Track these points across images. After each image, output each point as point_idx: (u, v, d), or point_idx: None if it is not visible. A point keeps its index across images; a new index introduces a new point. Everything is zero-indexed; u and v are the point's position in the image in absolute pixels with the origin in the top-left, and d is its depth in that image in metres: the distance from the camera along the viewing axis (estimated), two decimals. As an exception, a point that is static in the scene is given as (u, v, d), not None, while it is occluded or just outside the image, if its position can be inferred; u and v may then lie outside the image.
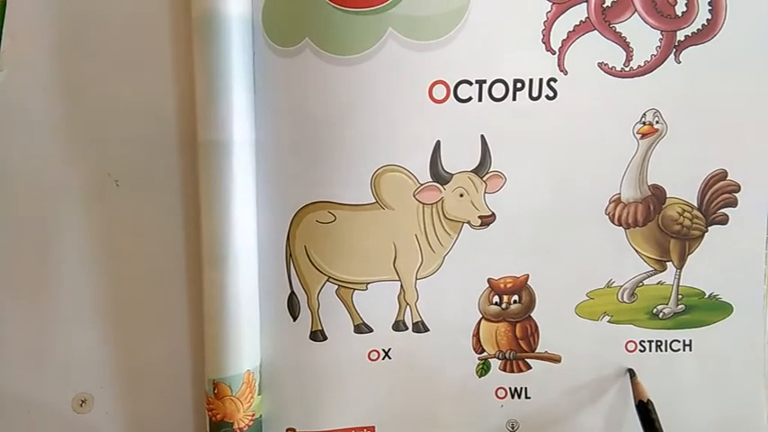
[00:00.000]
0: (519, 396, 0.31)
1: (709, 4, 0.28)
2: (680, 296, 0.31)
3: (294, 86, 0.28)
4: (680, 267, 0.31)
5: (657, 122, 0.29)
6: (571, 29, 0.28)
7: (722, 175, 0.30)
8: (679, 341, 0.31)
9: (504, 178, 0.29)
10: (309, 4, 0.27)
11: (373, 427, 0.31)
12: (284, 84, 0.28)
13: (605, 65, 0.29)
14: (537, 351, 0.31)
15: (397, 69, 0.28)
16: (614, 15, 0.28)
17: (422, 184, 0.29)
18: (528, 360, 0.31)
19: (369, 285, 0.30)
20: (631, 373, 0.30)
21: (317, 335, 0.30)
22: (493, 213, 0.30)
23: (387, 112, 0.28)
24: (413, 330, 0.30)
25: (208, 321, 0.29)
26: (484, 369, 0.31)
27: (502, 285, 0.30)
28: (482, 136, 0.29)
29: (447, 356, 0.31)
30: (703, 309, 0.31)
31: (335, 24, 0.27)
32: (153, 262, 0.30)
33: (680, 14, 0.28)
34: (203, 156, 0.28)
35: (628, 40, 0.28)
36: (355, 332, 0.30)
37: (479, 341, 0.31)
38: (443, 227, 0.30)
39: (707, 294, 0.31)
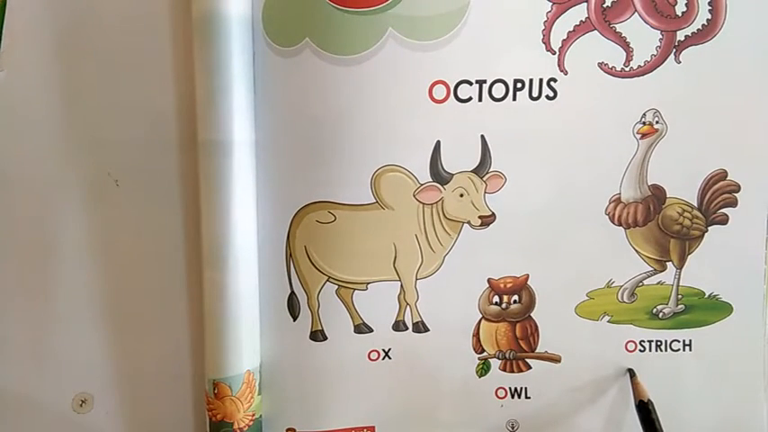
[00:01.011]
0: (519, 396, 0.31)
1: (709, 4, 0.29)
2: (680, 296, 0.31)
3: (294, 86, 0.28)
4: (680, 267, 0.31)
5: (657, 122, 0.29)
6: (571, 29, 0.28)
7: (722, 175, 0.30)
8: (679, 341, 0.31)
9: (505, 178, 0.29)
10: (309, 4, 0.27)
11: (373, 427, 0.31)
12: (284, 84, 0.28)
13: (605, 65, 0.29)
14: (537, 351, 0.31)
15: (397, 69, 0.28)
16: (614, 15, 0.28)
17: (422, 184, 0.29)
18: (528, 360, 0.31)
19: (369, 285, 0.30)
20: (631, 372, 0.30)
21: (317, 335, 0.30)
22: (493, 213, 0.30)
23: (387, 112, 0.28)
24: (413, 330, 0.30)
25: (208, 321, 0.29)
26: (484, 369, 0.31)
27: (502, 285, 0.30)
28: (482, 136, 0.29)
29: (447, 356, 0.31)
30: (703, 309, 0.31)
31: (336, 24, 0.27)
32: (153, 262, 0.30)
33: (680, 14, 0.29)
34: (203, 155, 0.28)
35: (628, 41, 0.29)
36: (355, 332, 0.30)
37: (479, 341, 0.31)
38: (443, 227, 0.30)
39: (707, 294, 0.31)
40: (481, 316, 0.31)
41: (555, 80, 0.29)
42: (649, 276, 0.31)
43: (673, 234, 0.31)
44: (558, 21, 0.28)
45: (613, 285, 0.31)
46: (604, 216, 0.30)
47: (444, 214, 0.29)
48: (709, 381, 0.31)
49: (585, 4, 0.28)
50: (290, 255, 0.30)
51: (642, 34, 0.28)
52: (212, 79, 0.27)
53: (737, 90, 0.29)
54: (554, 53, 0.28)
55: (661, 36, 0.29)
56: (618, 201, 0.30)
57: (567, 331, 0.31)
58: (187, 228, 0.30)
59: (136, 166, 0.30)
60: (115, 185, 0.30)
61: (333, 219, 0.29)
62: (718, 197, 0.30)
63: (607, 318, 0.31)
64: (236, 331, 0.28)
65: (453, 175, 0.29)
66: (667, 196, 0.30)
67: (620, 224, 0.30)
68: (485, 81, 0.28)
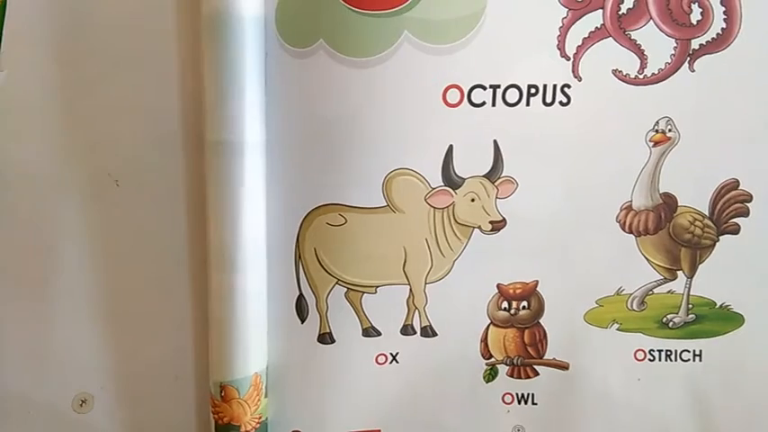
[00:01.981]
0: (526, 402, 0.31)
1: (725, 13, 0.29)
2: (690, 305, 0.31)
3: (307, 88, 0.28)
4: (691, 276, 0.31)
5: (670, 131, 0.29)
6: (586, 35, 0.28)
7: (734, 184, 0.30)
8: (689, 351, 0.31)
9: (516, 184, 0.29)
10: (324, 6, 0.27)
11: (379, 430, 0.31)
12: (297, 85, 0.28)
13: (619, 72, 0.29)
14: (545, 358, 0.31)
15: (411, 72, 0.28)
16: (629, 23, 0.28)
17: (433, 189, 0.29)
18: (536, 366, 0.31)
19: (378, 289, 0.30)
20: None
21: (325, 337, 0.30)
22: (504, 219, 0.30)
23: (400, 115, 0.28)
24: (421, 335, 0.30)
25: (215, 323, 0.29)
26: (491, 374, 0.31)
27: (511, 291, 0.30)
28: (495, 141, 0.29)
29: (455, 361, 0.31)
30: (714, 319, 0.31)
31: (351, 26, 0.27)
32: (154, 262, 0.30)
33: (695, 23, 0.29)
34: (213, 156, 0.28)
35: (642, 48, 0.29)
36: (363, 335, 0.30)
37: (487, 347, 0.31)
38: (454, 231, 0.30)
39: (718, 304, 0.31)
40: (490, 321, 0.31)
41: (569, 86, 0.29)
42: (659, 285, 0.31)
43: (684, 243, 0.31)
44: (573, 27, 0.28)
45: (623, 293, 0.31)
46: (615, 223, 0.30)
47: (455, 219, 0.30)
48: (719, 392, 0.31)
49: (601, 10, 0.28)
50: (300, 257, 0.30)
51: (657, 42, 0.28)
52: (223, 79, 0.27)
53: (751, 100, 0.29)
54: (568, 59, 0.28)
55: (675, 44, 0.29)
56: (629, 208, 0.30)
57: (575, 338, 0.31)
58: (191, 228, 0.30)
59: (138, 166, 0.30)
60: (115, 185, 0.30)
61: (343, 221, 0.29)
62: (729, 207, 0.30)
63: (616, 325, 0.31)
64: (244, 333, 0.28)
65: (465, 179, 0.29)
66: (679, 205, 0.30)
67: (630, 232, 0.30)
68: (499, 86, 0.28)
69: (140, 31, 0.29)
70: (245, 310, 0.28)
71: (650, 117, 0.29)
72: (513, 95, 0.29)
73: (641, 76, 0.29)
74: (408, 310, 0.30)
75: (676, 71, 0.29)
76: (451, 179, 0.29)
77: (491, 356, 0.31)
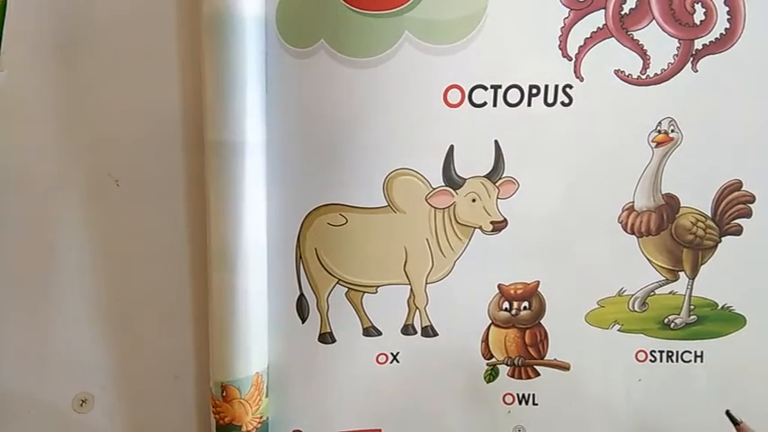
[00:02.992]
0: (527, 402, 0.31)
1: (728, 13, 0.29)
2: (692, 306, 0.31)
3: (307, 88, 0.28)
4: (692, 277, 0.31)
5: (673, 131, 0.29)
6: (588, 35, 0.28)
7: (737, 185, 0.30)
8: (690, 352, 0.31)
9: (517, 184, 0.30)
10: (325, 6, 0.27)
11: (380, 430, 0.31)
12: (297, 85, 0.28)
13: (622, 72, 0.29)
14: (546, 358, 0.31)
15: (412, 73, 0.28)
16: (632, 23, 0.28)
17: (434, 189, 0.29)
18: (537, 367, 0.31)
19: (379, 288, 0.30)
20: (733, 419, 0.30)
21: (326, 337, 0.30)
22: (505, 219, 0.30)
23: (401, 115, 0.28)
24: (422, 334, 0.31)
25: (216, 323, 0.29)
26: (492, 375, 0.31)
27: (512, 291, 0.31)
28: (496, 141, 0.29)
29: (455, 361, 0.31)
30: (716, 320, 0.31)
31: (352, 26, 0.27)
32: (154, 262, 0.30)
33: (698, 23, 0.29)
34: (213, 156, 0.28)
35: (645, 48, 0.29)
36: (364, 335, 0.30)
37: (488, 347, 0.31)
38: (455, 232, 0.30)
39: (719, 305, 0.31)
40: (491, 322, 0.31)
41: (570, 86, 0.29)
42: (661, 286, 0.31)
43: (686, 244, 0.31)
44: (575, 27, 0.28)
45: (625, 294, 0.31)
46: (617, 224, 0.30)
47: (456, 219, 0.30)
48: (720, 393, 0.31)
49: (603, 10, 0.28)
50: (300, 256, 0.30)
51: (659, 42, 0.29)
52: (224, 79, 0.27)
53: (754, 100, 0.29)
54: (570, 59, 0.29)
55: (678, 44, 0.29)
56: (631, 209, 0.30)
57: (576, 339, 0.31)
58: (191, 228, 0.30)
59: (138, 166, 0.30)
60: (115, 185, 0.30)
61: (344, 221, 0.29)
62: (732, 208, 0.30)
63: (617, 326, 0.31)
64: (246, 333, 0.29)
65: (466, 179, 0.29)
66: (681, 205, 0.30)
67: (632, 232, 0.30)
68: (500, 86, 0.28)
69: (141, 31, 0.29)
70: (246, 309, 0.28)
71: (653, 117, 0.29)
72: (514, 96, 0.29)
73: (644, 77, 0.29)
74: (409, 310, 0.30)
75: (679, 71, 0.29)
76: (452, 179, 0.29)
77: (492, 357, 0.31)
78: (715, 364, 0.31)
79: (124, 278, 0.30)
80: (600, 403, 0.31)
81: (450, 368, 0.31)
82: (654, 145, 0.29)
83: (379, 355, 0.31)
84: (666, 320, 0.31)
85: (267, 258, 0.29)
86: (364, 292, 0.30)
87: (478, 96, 0.29)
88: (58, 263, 0.30)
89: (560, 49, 0.28)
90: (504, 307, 0.31)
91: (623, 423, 0.31)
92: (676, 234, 0.30)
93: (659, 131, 0.29)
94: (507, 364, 0.31)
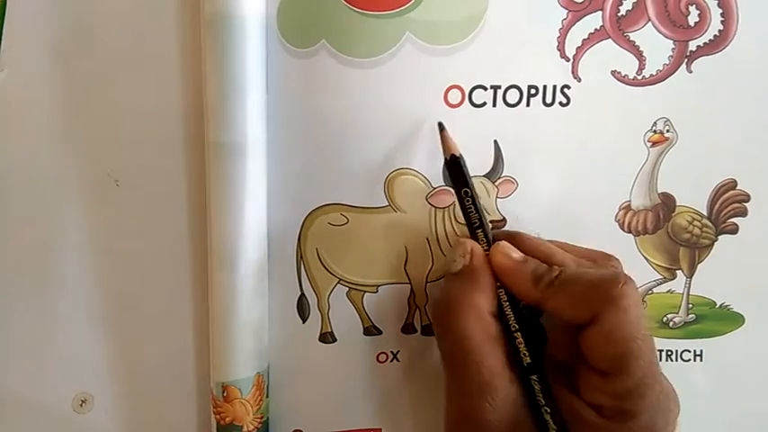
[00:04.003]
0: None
1: (722, 15, 0.29)
2: (690, 305, 0.31)
3: (309, 88, 0.29)
4: (690, 276, 0.31)
5: (668, 131, 0.30)
6: (586, 36, 0.29)
7: (732, 184, 0.31)
8: (690, 351, 0.32)
9: (516, 184, 0.30)
10: (326, 6, 0.28)
11: (380, 429, 0.31)
12: (299, 85, 0.29)
13: (618, 73, 0.30)
14: (545, 357, 0.31)
15: (413, 73, 0.28)
16: (628, 24, 0.29)
17: (434, 188, 0.30)
18: (537, 366, 0.32)
19: (379, 288, 0.31)
20: (441, 126, 0.28)
21: (327, 337, 0.31)
22: (504, 218, 0.30)
23: (402, 115, 0.29)
24: (422, 333, 0.31)
25: (217, 323, 0.29)
26: (492, 374, 0.31)
27: (511, 290, 0.31)
28: (495, 141, 0.30)
29: (456, 361, 0.31)
30: (714, 319, 0.31)
31: (353, 27, 0.28)
32: (155, 262, 0.30)
33: (692, 24, 0.29)
34: (214, 156, 0.28)
35: (641, 49, 0.29)
36: (365, 334, 0.31)
37: (488, 346, 0.31)
38: (455, 231, 0.30)
39: (718, 304, 0.31)
40: (490, 321, 0.31)
41: (568, 87, 0.29)
42: (659, 284, 0.31)
43: (682, 242, 0.31)
44: (572, 28, 0.29)
45: (623, 293, 0.31)
46: (614, 223, 0.31)
47: (456, 218, 0.30)
48: (720, 392, 0.31)
49: (600, 12, 0.29)
50: (301, 257, 0.30)
51: (655, 43, 0.29)
52: (225, 79, 0.27)
53: (748, 100, 0.30)
54: (568, 60, 0.29)
55: (673, 45, 0.29)
56: (628, 208, 0.31)
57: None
58: (191, 228, 0.30)
59: (139, 166, 0.30)
60: (115, 185, 0.30)
61: (345, 221, 0.30)
62: (727, 206, 0.31)
63: (617, 325, 0.31)
64: (246, 334, 0.29)
65: (466, 179, 0.30)
66: (677, 204, 0.31)
67: (629, 231, 0.31)
68: (499, 87, 0.29)
69: (141, 31, 0.29)
70: (247, 309, 0.29)
71: (648, 117, 0.30)
72: (513, 96, 0.29)
73: (640, 77, 0.30)
74: (409, 309, 0.31)
75: (674, 72, 0.30)
76: (452, 179, 0.30)
77: (492, 356, 0.31)
78: (714, 363, 0.31)
79: (124, 278, 0.30)
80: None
81: (450, 367, 0.31)
82: (650, 145, 0.30)
83: (379, 354, 0.31)
84: (665, 319, 0.32)
85: (268, 258, 0.30)
86: (365, 292, 0.30)
87: (478, 96, 0.29)
88: (57, 263, 0.30)
89: (558, 50, 0.29)
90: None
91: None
92: (673, 233, 0.31)
93: (655, 131, 0.30)
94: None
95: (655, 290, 0.31)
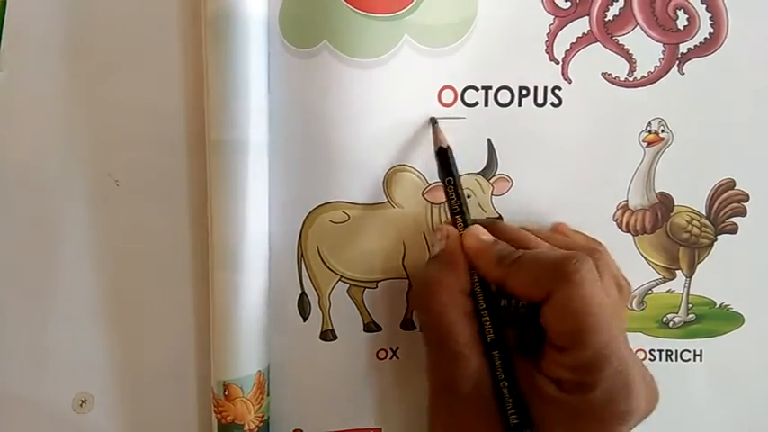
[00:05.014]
0: (527, 401, 0.32)
1: (711, 18, 0.30)
2: (690, 305, 0.32)
3: (310, 88, 0.30)
4: (689, 276, 0.32)
5: (663, 131, 0.31)
6: (574, 40, 0.30)
7: (730, 184, 0.31)
8: (690, 351, 0.32)
9: (511, 182, 0.31)
10: (328, 7, 0.29)
11: (380, 429, 0.32)
12: (300, 85, 0.30)
13: (609, 75, 0.30)
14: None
15: (410, 74, 0.30)
16: (616, 28, 0.30)
17: (430, 184, 0.31)
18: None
19: (379, 284, 0.31)
20: (433, 121, 0.30)
21: (328, 334, 0.31)
22: (499, 216, 0.31)
23: (399, 114, 0.30)
24: (421, 329, 0.31)
25: (218, 322, 0.29)
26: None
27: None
28: (489, 140, 0.31)
29: (454, 358, 0.32)
30: (714, 318, 0.31)
31: (354, 28, 0.29)
32: (155, 262, 0.31)
33: (681, 28, 0.30)
34: (216, 155, 0.28)
35: (630, 52, 0.30)
36: (365, 330, 0.31)
37: (487, 343, 0.32)
38: (450, 226, 0.31)
39: (717, 304, 0.31)
40: (488, 318, 0.32)
41: (559, 88, 0.30)
42: (659, 284, 0.32)
43: (682, 242, 0.31)
44: (560, 33, 0.30)
45: (622, 292, 0.31)
46: (612, 223, 0.31)
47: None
48: (720, 392, 0.31)
49: (587, 17, 0.30)
50: (302, 255, 0.31)
51: (645, 46, 0.30)
52: (227, 79, 0.28)
53: (743, 100, 0.30)
54: (558, 63, 0.30)
55: (664, 48, 0.30)
56: (625, 208, 0.31)
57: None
58: (192, 228, 0.30)
59: (139, 166, 0.30)
60: (115, 186, 0.30)
61: (346, 218, 0.31)
62: (726, 206, 0.31)
63: (616, 325, 0.32)
64: (248, 332, 0.29)
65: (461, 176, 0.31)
66: (675, 204, 0.31)
67: (628, 231, 0.31)
68: (490, 87, 0.30)
69: (142, 31, 0.30)
70: (248, 308, 0.29)
71: (642, 118, 0.31)
72: (504, 96, 0.30)
73: (631, 79, 0.30)
74: (408, 305, 0.31)
75: (666, 74, 0.30)
76: (447, 176, 0.31)
77: (491, 354, 0.32)
78: (714, 363, 0.31)
79: (124, 278, 0.31)
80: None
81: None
82: (645, 145, 0.31)
83: (378, 351, 0.32)
84: (665, 319, 0.32)
85: (269, 257, 0.30)
86: (365, 288, 0.31)
87: (470, 96, 0.30)
88: (58, 263, 0.31)
89: (547, 53, 0.30)
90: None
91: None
92: (672, 233, 0.31)
93: (649, 131, 0.31)
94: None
95: (654, 290, 0.32)
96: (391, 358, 0.32)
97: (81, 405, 0.31)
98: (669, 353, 0.32)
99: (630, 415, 0.23)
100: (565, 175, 0.31)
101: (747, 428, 0.31)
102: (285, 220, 0.31)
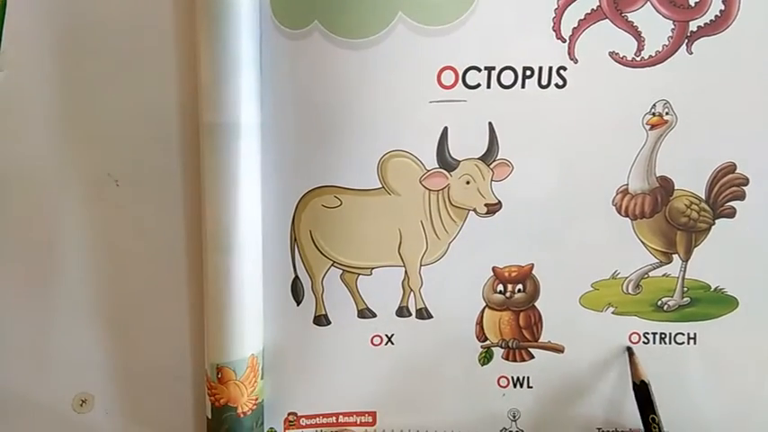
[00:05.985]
0: (521, 385, 0.32)
1: (723, -7, 0.29)
2: (685, 289, 0.32)
3: (302, 69, 0.29)
4: (686, 260, 0.32)
5: (667, 114, 0.30)
6: (582, 17, 0.29)
7: (731, 168, 0.31)
8: (684, 334, 0.32)
9: (512, 166, 0.31)
10: (319, -13, 0.28)
11: (374, 412, 0.32)
12: (292, 67, 0.29)
13: (616, 54, 0.30)
14: (540, 341, 0.32)
15: (406, 54, 0.29)
16: (626, 4, 0.29)
17: (428, 171, 0.30)
18: (531, 349, 0.32)
19: (373, 270, 0.31)
20: (630, 351, 0.31)
21: (321, 319, 0.31)
22: (499, 201, 0.31)
23: (395, 96, 0.29)
24: (416, 317, 0.32)
25: (211, 306, 0.29)
26: (486, 357, 0.32)
27: (506, 274, 0.32)
28: (490, 123, 0.30)
29: (450, 344, 0.32)
30: (709, 302, 0.32)
31: (346, 7, 0.28)
32: (155, 263, 0.31)
33: (693, 5, 0.29)
34: (208, 138, 0.28)
35: (639, 30, 0.29)
36: (359, 317, 0.32)
37: (482, 329, 0.32)
38: (449, 214, 0.31)
39: (712, 288, 0.32)
40: (485, 304, 0.32)
41: (565, 68, 0.30)
42: (655, 268, 0.32)
43: (680, 226, 0.32)
44: (569, 8, 0.29)
45: (618, 276, 0.32)
46: (611, 207, 0.31)
47: (450, 201, 0.31)
48: (713, 374, 0.32)
49: (597, -8, 0.29)
50: (295, 239, 0.31)
51: (654, 24, 0.29)
52: (218, 60, 0.28)
53: (749, 83, 0.30)
54: (564, 41, 0.29)
55: (673, 26, 0.30)
56: (625, 192, 0.31)
57: (570, 321, 0.32)
58: (188, 223, 0.31)
59: (139, 166, 0.30)
60: (115, 185, 0.30)
61: (339, 203, 0.30)
62: (725, 190, 0.31)
63: (611, 309, 0.32)
64: (240, 315, 0.29)
65: (460, 161, 0.30)
66: (675, 188, 0.31)
67: (626, 215, 0.31)
68: (493, 68, 0.29)
69: (141, 27, 0.29)
70: (242, 292, 0.29)
71: (647, 100, 0.30)
72: (508, 77, 0.29)
73: (638, 59, 0.30)
74: (404, 292, 0.32)
75: (674, 53, 0.30)
76: (446, 161, 0.30)
77: (486, 339, 0.32)
78: (708, 346, 0.32)
79: (124, 278, 0.31)
80: (593, 385, 0.32)
81: (444, 350, 0.32)
82: (648, 127, 0.30)
83: (373, 337, 0.32)
84: (660, 303, 0.32)
85: (262, 241, 0.30)
86: (359, 274, 0.31)
87: (472, 78, 0.29)
88: (58, 263, 0.31)
89: (554, 30, 0.29)
90: (498, 289, 0.32)
91: (617, 405, 0.32)
92: (670, 217, 0.31)
93: (653, 114, 0.30)
94: (501, 347, 0.32)
95: (651, 274, 0.32)
96: (386, 344, 0.32)
97: (81, 405, 0.31)
98: (663, 336, 0.32)
99: None
100: (565, 158, 0.31)
101: (740, 411, 0.32)
102: (278, 203, 0.30)
